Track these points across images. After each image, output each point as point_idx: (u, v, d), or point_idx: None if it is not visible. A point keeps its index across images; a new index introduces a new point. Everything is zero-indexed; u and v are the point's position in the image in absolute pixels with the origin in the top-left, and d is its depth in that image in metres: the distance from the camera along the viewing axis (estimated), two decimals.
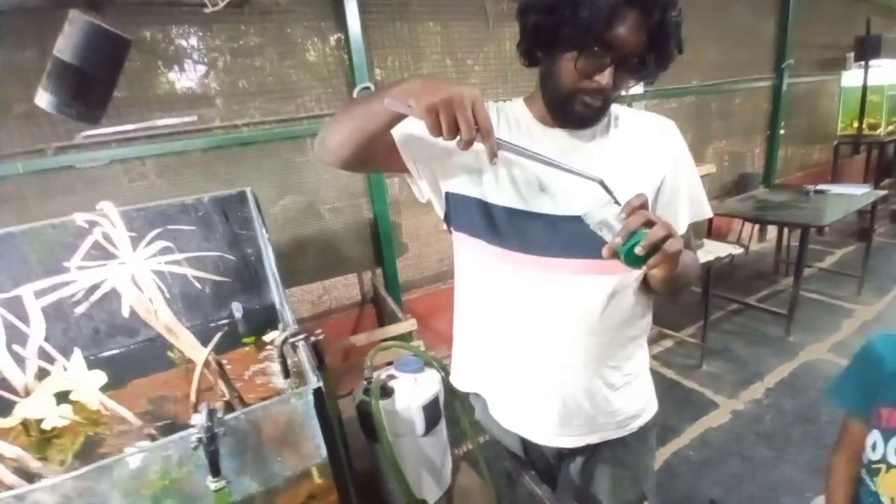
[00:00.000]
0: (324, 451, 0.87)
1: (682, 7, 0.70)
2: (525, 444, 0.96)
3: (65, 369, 0.96)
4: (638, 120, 0.85)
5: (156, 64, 1.87)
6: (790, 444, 1.95)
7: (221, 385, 1.06)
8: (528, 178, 0.79)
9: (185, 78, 1.95)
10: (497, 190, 0.79)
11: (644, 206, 0.61)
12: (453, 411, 1.37)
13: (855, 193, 3.03)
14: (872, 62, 4.03)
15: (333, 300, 2.46)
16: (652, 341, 2.82)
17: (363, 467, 1.58)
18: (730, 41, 3.66)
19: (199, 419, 0.73)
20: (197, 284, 0.97)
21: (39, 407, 1.04)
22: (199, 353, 1.05)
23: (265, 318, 1.66)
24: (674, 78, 3.40)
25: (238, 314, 1.62)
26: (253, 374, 1.40)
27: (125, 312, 0.84)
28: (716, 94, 3.77)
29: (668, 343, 2.78)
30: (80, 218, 0.89)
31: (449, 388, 1.36)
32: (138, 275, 0.89)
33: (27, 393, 1.06)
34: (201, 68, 1.97)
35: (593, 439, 0.89)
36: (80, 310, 0.82)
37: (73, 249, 1.20)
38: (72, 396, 1.11)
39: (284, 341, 1.01)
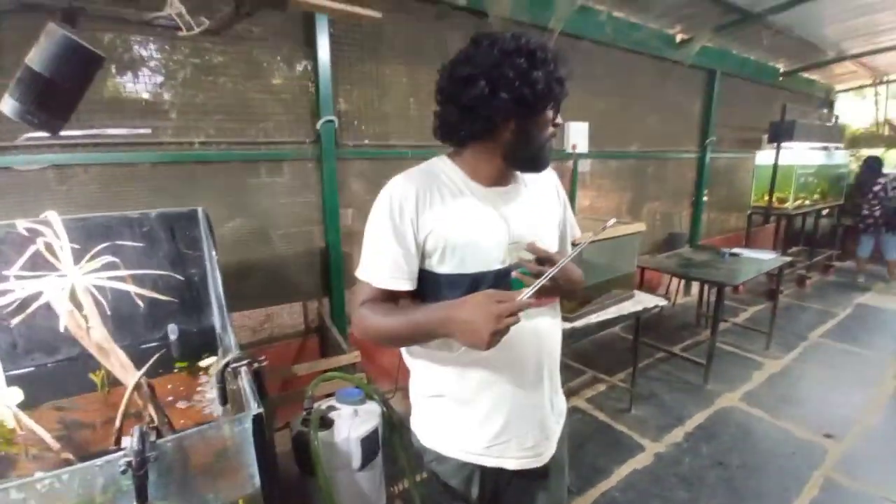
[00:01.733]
0: (257, 481, 0.85)
1: (628, 82, 1.06)
2: (477, 477, 1.01)
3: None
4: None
5: (110, 70, 1.83)
6: (705, 486, 2.09)
7: (151, 410, 1.01)
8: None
9: (141, 87, 1.90)
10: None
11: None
12: (392, 447, 1.37)
13: (764, 258, 3.41)
14: (784, 144, 4.64)
15: (276, 328, 2.39)
16: (586, 385, 2.95)
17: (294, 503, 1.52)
18: (665, 115, 4.11)
19: (129, 442, 0.71)
20: (139, 303, 0.94)
21: None
22: (129, 375, 1.01)
23: (202, 342, 1.60)
24: (617, 142, 3.75)
25: (173, 336, 1.55)
26: (185, 399, 1.34)
27: (62, 328, 0.80)
28: (652, 160, 4.18)
29: (601, 387, 2.92)
30: (21, 225, 0.85)
31: (388, 422, 1.37)
32: (78, 289, 0.86)
33: None
34: (159, 80, 1.94)
35: (553, 447, 1.03)
36: (15, 321, 0.78)
37: (4, 257, 1.13)
38: None
39: (226, 366, 1.00)
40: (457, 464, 0.98)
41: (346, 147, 2.38)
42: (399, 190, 0.91)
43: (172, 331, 1.55)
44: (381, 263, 0.91)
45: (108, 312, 0.92)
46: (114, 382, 1.40)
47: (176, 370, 1.49)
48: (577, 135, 3.00)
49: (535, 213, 0.98)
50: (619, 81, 3.57)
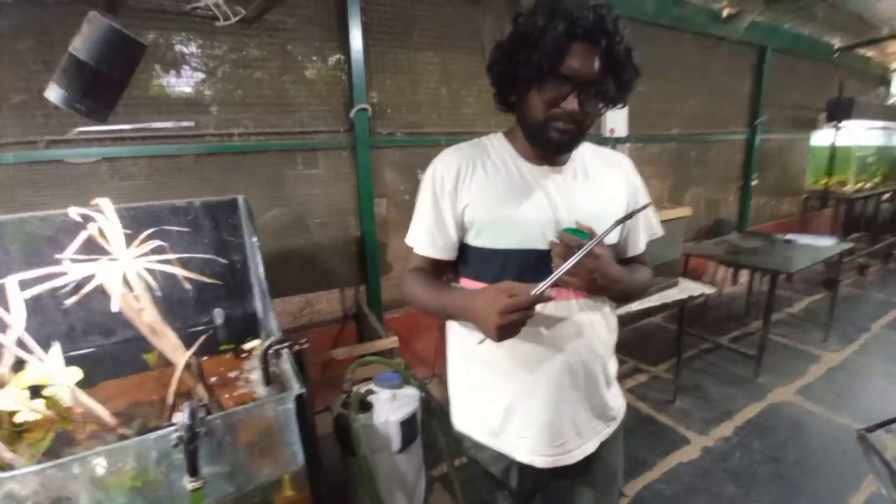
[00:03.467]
0: (301, 459, 0.86)
1: (670, 61, 0.88)
2: (515, 470, 0.98)
3: (41, 363, 0.93)
4: (600, 156, 0.99)
5: (154, 67, 1.89)
6: (756, 482, 1.99)
7: (200, 388, 1.05)
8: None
9: (183, 83, 1.97)
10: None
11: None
12: (430, 432, 1.37)
13: (822, 245, 3.19)
14: (843, 123, 4.32)
15: (315, 314, 2.44)
16: (627, 375, 2.86)
17: (335, 484, 1.55)
18: (709, 95, 3.89)
19: (181, 417, 0.73)
20: (186, 286, 0.97)
21: (13, 399, 1.01)
22: (180, 355, 1.05)
23: (245, 327, 1.65)
24: (657, 124, 3.58)
25: (220, 321, 1.60)
26: (231, 380, 1.39)
27: (115, 308, 0.83)
28: (695, 143, 3.97)
29: (642, 378, 2.83)
30: (74, 211, 0.89)
31: (427, 408, 1.37)
32: (129, 272, 0.90)
33: (1, 384, 1.03)
34: (200, 75, 2.00)
35: (589, 447, 0.96)
36: (69, 302, 0.82)
37: (56, 243, 1.19)
38: (45, 392, 1.08)
39: (269, 347, 1.01)
40: (493, 453, 0.97)
41: (379, 135, 2.38)
42: (443, 161, 0.91)
43: (219, 315, 1.60)
44: (421, 231, 0.93)
45: (159, 294, 0.95)
46: (166, 363, 1.47)
47: (222, 353, 1.54)
48: (614, 118, 2.88)
49: (591, 199, 0.90)
50: (661, 61, 3.40)
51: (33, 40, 1.65)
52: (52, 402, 1.10)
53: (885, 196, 5.39)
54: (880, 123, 4.87)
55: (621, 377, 2.80)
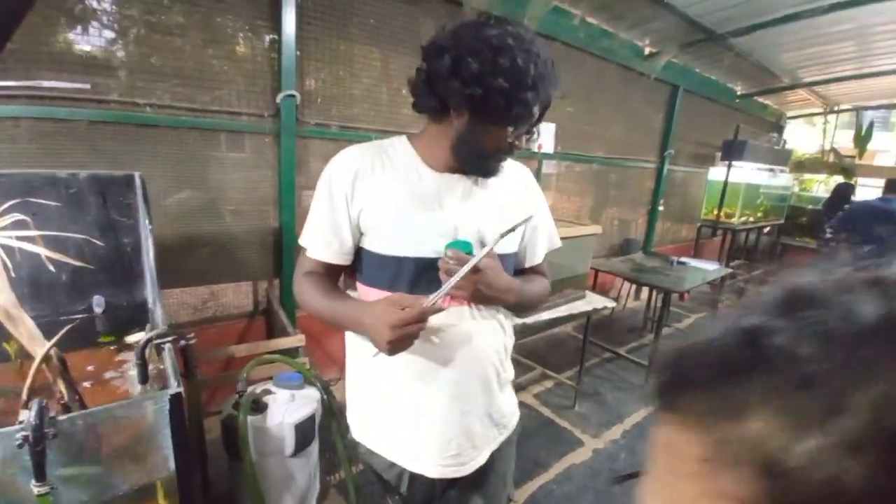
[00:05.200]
0: (172, 465, 0.80)
1: (596, 88, 1.03)
2: (407, 477, 0.97)
3: None
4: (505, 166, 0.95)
5: (55, 18, 1.67)
6: (638, 481, 2.17)
7: (60, 385, 0.93)
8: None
9: (87, 41, 1.77)
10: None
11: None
12: (329, 435, 1.34)
13: (709, 268, 3.59)
14: (735, 162, 4.89)
15: (220, 307, 2.29)
16: (534, 381, 3.00)
17: (222, 490, 1.45)
18: (628, 124, 4.22)
19: (27, 416, 0.65)
20: (51, 268, 0.86)
21: None
22: (39, 347, 0.93)
23: (131, 318, 1.50)
24: (582, 146, 3.82)
25: (98, 309, 1.44)
26: (106, 377, 1.25)
27: None
28: (613, 167, 4.29)
29: (548, 384, 2.99)
30: None
31: (328, 410, 1.33)
32: None
33: None
34: (108, 34, 1.80)
35: (483, 458, 0.98)
36: None
37: None
38: None
39: (148, 342, 0.93)
40: (385, 461, 0.96)
41: (307, 125, 2.29)
42: (341, 161, 0.89)
43: (98, 303, 1.44)
44: (314, 233, 0.90)
45: (13, 275, 0.84)
46: (29, 354, 1.29)
47: (101, 345, 1.39)
48: (543, 135, 3.02)
49: (490, 209, 0.90)
50: (588, 87, 3.64)
51: None
52: None
53: (766, 229, 6.19)
54: (767, 165, 5.59)
55: (529, 383, 2.96)
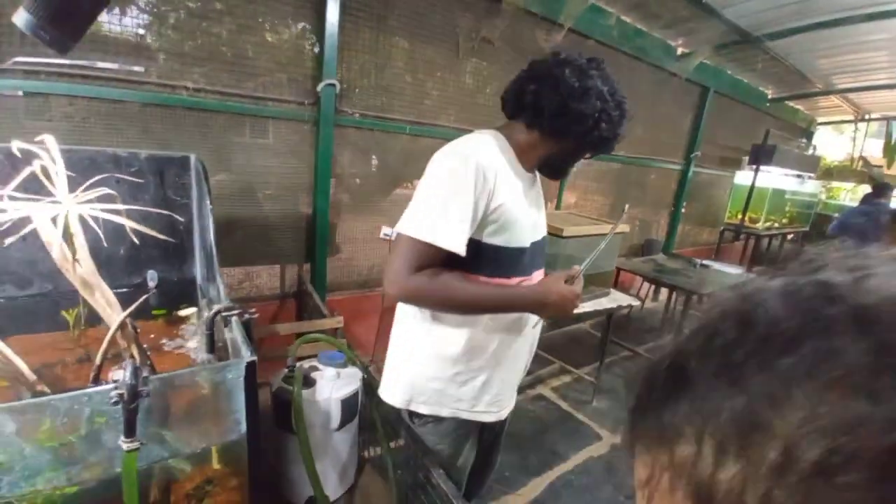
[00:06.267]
0: (243, 427, 0.86)
1: (626, 87, 1.11)
2: (475, 429, 1.19)
3: None
4: None
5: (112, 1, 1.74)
6: None
7: (133, 350, 1.00)
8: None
9: (136, 25, 1.83)
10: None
11: None
12: (368, 413, 1.39)
13: (731, 272, 3.57)
14: (763, 167, 4.84)
15: (254, 288, 2.36)
16: (553, 376, 3.04)
17: (268, 458, 1.52)
18: (655, 125, 4.19)
19: (122, 375, 0.70)
20: (135, 239, 0.92)
21: None
22: (114, 314, 0.99)
23: (180, 293, 1.57)
24: None
25: (152, 283, 1.51)
26: (162, 346, 1.32)
27: (54, 255, 0.78)
28: (637, 167, 4.27)
29: (567, 378, 3.02)
30: (16, 146, 0.82)
31: (368, 389, 1.39)
32: (71, 218, 0.84)
33: None
34: (156, 19, 1.86)
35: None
36: (8, 241, 0.75)
37: None
38: None
39: (216, 314, 0.99)
40: (457, 422, 1.13)
41: (344, 114, 2.34)
42: (486, 159, 0.94)
43: (152, 277, 1.50)
44: (450, 224, 0.91)
45: (105, 245, 0.90)
46: (87, 323, 1.37)
47: (153, 317, 1.46)
48: None
49: (541, 202, 1.18)
50: (618, 85, 3.61)
51: None
52: None
53: (790, 236, 6.11)
54: (795, 171, 5.50)
55: (548, 377, 2.99)
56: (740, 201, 5.10)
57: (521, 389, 2.47)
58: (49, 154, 0.83)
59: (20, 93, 1.63)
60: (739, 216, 5.09)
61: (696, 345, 0.24)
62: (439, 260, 0.93)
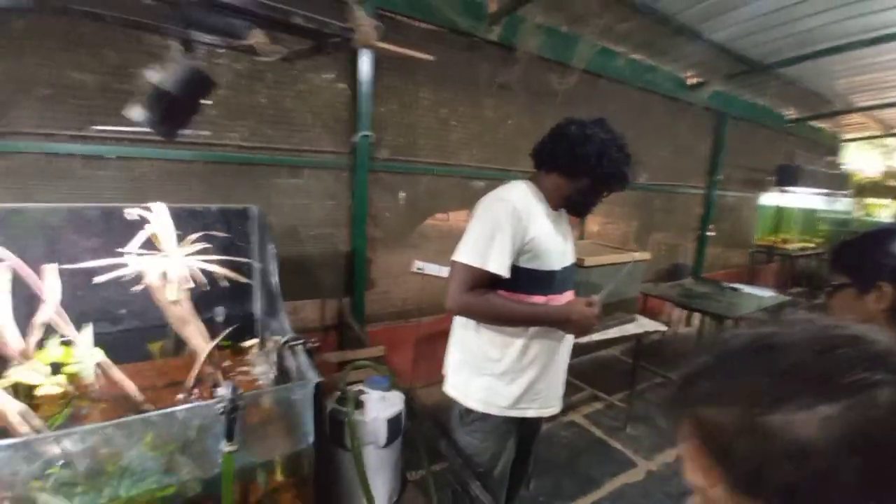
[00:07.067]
0: (311, 438, 1.01)
1: (641, 118, 1.53)
2: (520, 423, 1.42)
3: (75, 340, 1.05)
4: None
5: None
6: None
7: (219, 375, 1.18)
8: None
9: (210, 97, 2.12)
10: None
11: None
12: (412, 434, 1.53)
13: (764, 295, 3.56)
14: (789, 188, 4.84)
15: (299, 321, 2.56)
16: (584, 402, 3.08)
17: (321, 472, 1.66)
18: (674, 151, 4.31)
19: (223, 391, 0.88)
20: (226, 284, 1.12)
21: (34, 374, 1.12)
22: (204, 344, 1.19)
23: (241, 327, 1.77)
24: None
25: (220, 318, 1.72)
26: (231, 372, 1.51)
27: (171, 297, 0.98)
28: (660, 193, 4.36)
29: (598, 405, 3.06)
30: (130, 212, 1.04)
31: (409, 412, 1.53)
32: (175, 268, 1.04)
33: (25, 358, 1.14)
34: (226, 92, 2.15)
35: (555, 409, 1.48)
36: (136, 289, 0.96)
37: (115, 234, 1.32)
38: (69, 368, 1.19)
39: (286, 343, 1.17)
40: (500, 418, 1.35)
41: (377, 160, 2.58)
42: (519, 202, 1.27)
43: (219, 313, 1.72)
44: (494, 252, 1.22)
45: (207, 289, 1.10)
46: (170, 353, 1.58)
47: (220, 348, 1.66)
48: None
49: (570, 234, 1.45)
50: (633, 118, 3.78)
51: (59, 39, 1.78)
52: (74, 378, 1.21)
53: (825, 256, 5.97)
54: (824, 190, 5.45)
55: (579, 404, 3.04)
56: (768, 222, 5.07)
57: (552, 416, 2.54)
58: (159, 217, 1.05)
59: (114, 156, 1.93)
60: (771, 238, 5.05)
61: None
62: (487, 282, 1.23)
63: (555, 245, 1.31)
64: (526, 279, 1.27)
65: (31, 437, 0.86)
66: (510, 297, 1.28)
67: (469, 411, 1.38)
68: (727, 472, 0.36)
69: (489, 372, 1.35)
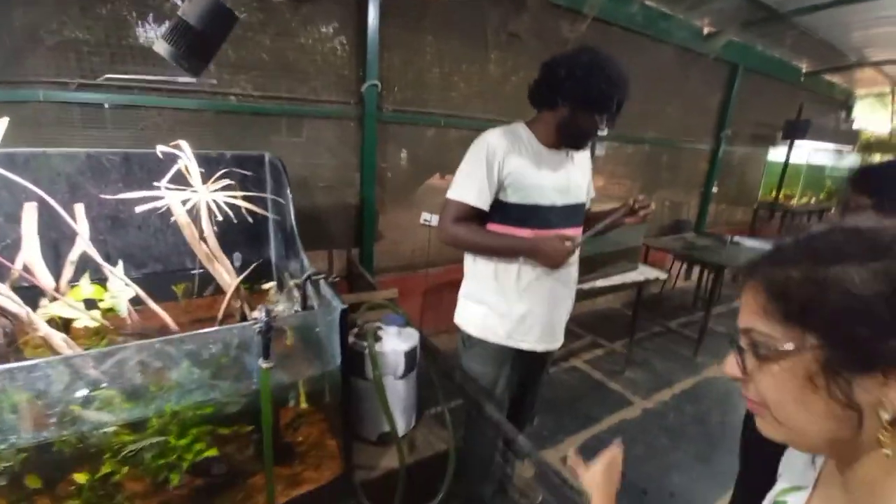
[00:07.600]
0: (338, 360, 1.09)
1: (652, 70, 1.46)
2: (511, 356, 1.50)
3: (113, 274, 1.12)
4: None
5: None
6: (684, 437, 2.36)
7: (245, 308, 1.26)
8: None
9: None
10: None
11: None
12: (425, 371, 1.63)
13: (765, 247, 3.61)
14: (797, 142, 4.78)
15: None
16: (585, 349, 3.21)
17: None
18: (683, 106, 4.24)
19: (259, 314, 0.95)
20: (249, 219, 1.17)
21: (69, 308, 1.19)
22: (231, 280, 1.25)
23: (258, 271, 1.84)
24: (635, 127, 3.90)
25: (237, 263, 1.78)
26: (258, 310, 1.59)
27: (187, 235, 1.03)
28: (666, 148, 4.33)
29: (599, 352, 3.19)
30: (160, 149, 1.08)
31: (423, 349, 1.62)
32: (203, 204, 1.09)
33: (58, 295, 1.20)
34: (232, 38, 2.12)
35: (557, 345, 1.57)
36: (171, 221, 1.01)
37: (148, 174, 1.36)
38: (103, 304, 1.27)
39: (308, 278, 1.23)
40: (497, 347, 1.46)
41: (385, 111, 2.57)
42: (495, 139, 1.30)
43: (237, 258, 1.77)
44: (472, 187, 1.31)
45: (225, 225, 1.15)
46: (192, 294, 1.66)
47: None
48: None
49: (576, 173, 1.45)
50: (644, 69, 3.67)
51: None
52: (108, 313, 1.28)
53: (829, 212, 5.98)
54: (832, 145, 5.38)
55: (580, 350, 3.16)
56: (775, 178, 5.05)
57: (554, 361, 2.66)
58: (185, 154, 1.09)
59: (106, 105, 1.93)
60: (774, 193, 5.05)
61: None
62: (473, 214, 1.34)
63: (542, 181, 1.34)
64: (515, 213, 1.35)
65: (80, 353, 0.93)
66: (498, 229, 1.37)
67: (469, 337, 1.50)
68: (785, 306, 0.45)
69: (485, 301, 1.45)
